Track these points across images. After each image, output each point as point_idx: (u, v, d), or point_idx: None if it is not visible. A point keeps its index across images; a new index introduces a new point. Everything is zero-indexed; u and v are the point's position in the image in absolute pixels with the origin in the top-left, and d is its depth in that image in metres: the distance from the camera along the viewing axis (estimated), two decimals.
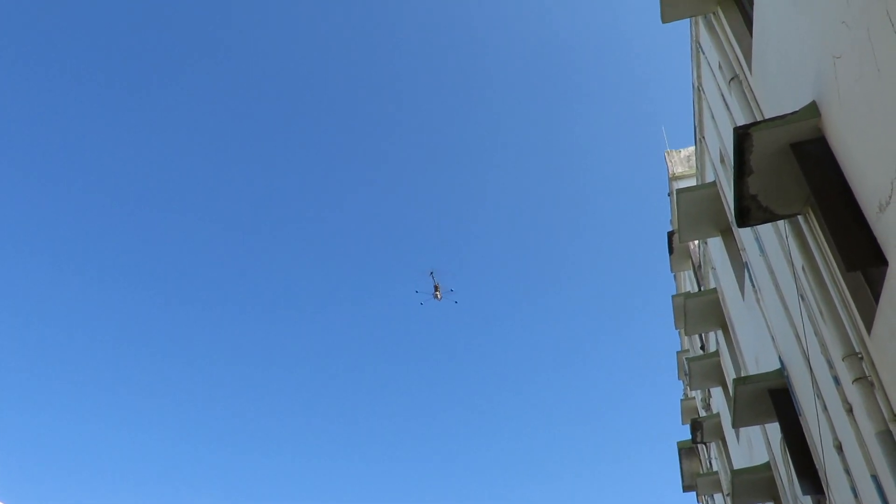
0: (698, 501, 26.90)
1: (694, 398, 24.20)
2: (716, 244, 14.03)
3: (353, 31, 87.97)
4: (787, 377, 9.60)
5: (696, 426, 18.35)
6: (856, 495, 6.98)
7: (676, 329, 22.25)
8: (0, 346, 77.21)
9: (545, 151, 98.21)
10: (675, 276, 23.34)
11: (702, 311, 15.46)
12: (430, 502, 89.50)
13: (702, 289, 17.29)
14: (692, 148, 19.63)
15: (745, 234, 10.76)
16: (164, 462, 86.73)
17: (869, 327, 5.81)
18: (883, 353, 5.60)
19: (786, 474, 10.71)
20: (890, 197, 4.69)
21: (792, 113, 5.98)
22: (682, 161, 20.18)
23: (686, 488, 23.06)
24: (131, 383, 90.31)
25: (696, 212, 12.40)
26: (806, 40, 5.85)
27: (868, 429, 6.00)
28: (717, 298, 14.99)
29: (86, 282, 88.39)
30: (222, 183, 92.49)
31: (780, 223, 7.71)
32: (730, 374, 15.37)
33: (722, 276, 14.16)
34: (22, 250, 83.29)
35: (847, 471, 7.23)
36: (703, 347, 20.13)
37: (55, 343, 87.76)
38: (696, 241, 17.87)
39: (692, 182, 18.45)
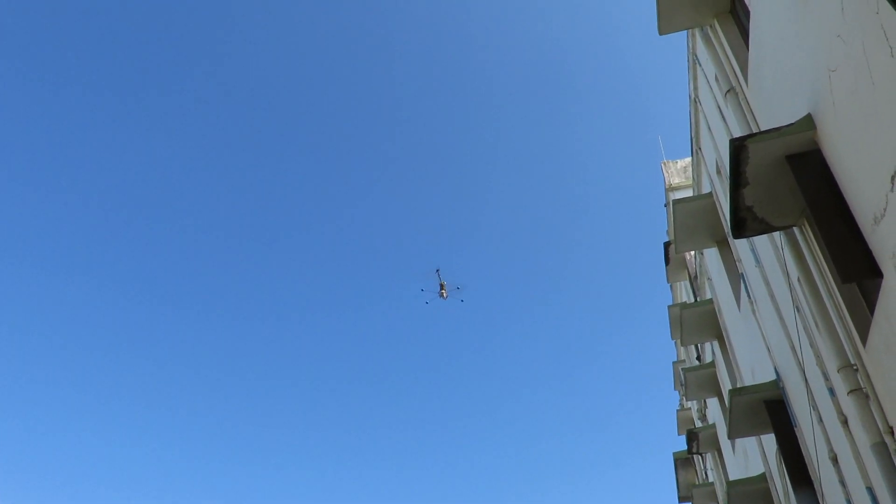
0: None
1: (690, 409, 24.18)
2: (712, 255, 14.07)
3: (357, 38, 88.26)
4: (783, 388, 9.61)
5: (691, 437, 18.32)
6: None
7: (673, 339, 22.25)
8: None
9: (544, 162, 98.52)
10: (671, 286, 23.37)
11: (698, 322, 15.47)
12: None
13: (698, 299, 17.32)
14: (689, 159, 19.71)
15: (741, 245, 10.79)
16: (165, 468, 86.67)
17: (864, 339, 5.83)
18: (878, 365, 5.61)
19: (781, 486, 10.70)
20: (885, 209, 4.72)
21: (787, 125, 6.02)
22: (678, 172, 20.25)
23: (682, 499, 23.02)
24: (134, 388, 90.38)
25: (692, 222, 12.43)
26: (801, 53, 5.89)
27: (863, 440, 6.01)
28: (713, 309, 15.01)
29: (85, 284, 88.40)
30: (220, 184, 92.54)
31: (776, 234, 7.75)
32: (726, 385, 15.36)
33: (718, 286, 14.19)
34: (20, 253, 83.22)
35: (842, 482, 7.23)
36: (699, 358, 20.13)
37: (55, 344, 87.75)
38: (693, 252, 17.91)
39: (689, 193, 18.52)
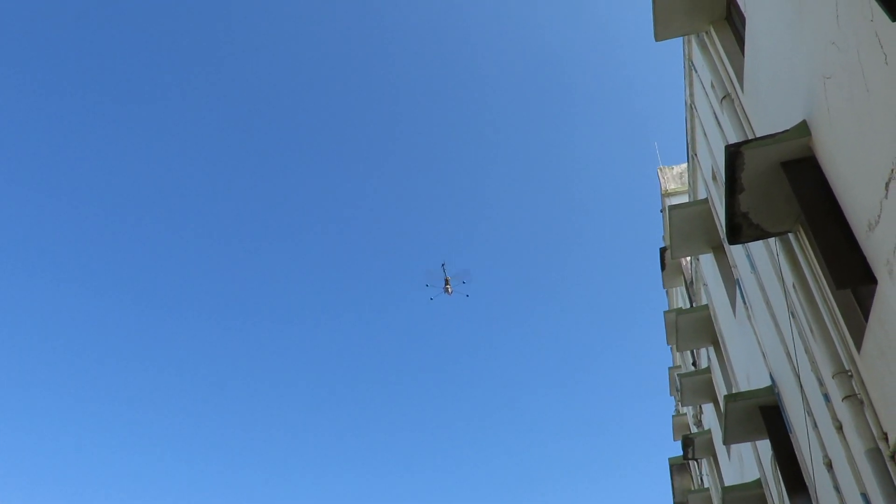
0: None
1: (685, 414, 24.18)
2: (708, 261, 14.09)
3: (369, 38, 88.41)
4: (778, 394, 9.62)
5: (687, 442, 18.33)
6: None
7: (668, 345, 22.27)
8: None
9: (542, 168, 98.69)
10: (667, 291, 23.40)
11: (693, 328, 15.49)
12: None
13: (693, 305, 17.34)
14: (685, 165, 19.75)
15: (736, 251, 10.82)
16: (165, 470, 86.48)
17: (858, 345, 5.84)
18: (872, 371, 5.63)
19: (776, 491, 10.71)
20: (879, 216, 4.74)
21: (783, 132, 6.05)
22: (674, 177, 20.31)
23: None
24: (135, 390, 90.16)
25: (688, 228, 12.46)
26: (797, 60, 5.92)
27: (858, 446, 6.02)
28: (709, 315, 15.03)
29: (85, 286, 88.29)
30: (217, 183, 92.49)
31: (771, 241, 7.77)
32: (721, 391, 15.38)
33: (713, 292, 14.22)
34: (19, 254, 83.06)
35: (837, 488, 7.24)
36: (694, 364, 20.16)
37: (54, 345, 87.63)
38: (689, 258, 17.94)
39: (685, 198, 18.56)
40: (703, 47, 9.47)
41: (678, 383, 17.35)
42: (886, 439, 5.53)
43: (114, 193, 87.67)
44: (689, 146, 13.37)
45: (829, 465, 7.41)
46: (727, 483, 16.53)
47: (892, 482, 5.45)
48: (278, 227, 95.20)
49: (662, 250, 19.46)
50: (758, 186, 6.31)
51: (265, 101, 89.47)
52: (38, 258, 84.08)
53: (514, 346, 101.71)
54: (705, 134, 11.44)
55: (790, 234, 6.98)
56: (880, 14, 4.04)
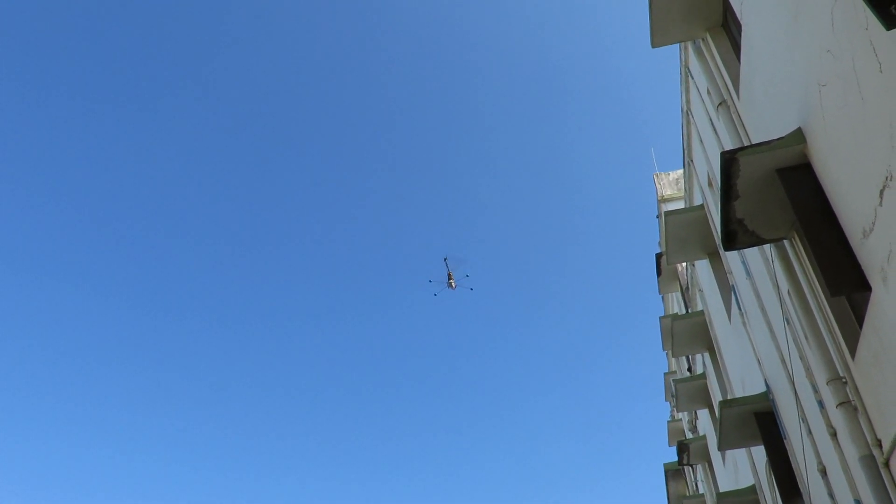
0: None
1: (681, 420, 24.18)
2: (703, 266, 14.11)
3: (367, 43, 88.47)
4: (773, 400, 9.63)
5: (682, 448, 18.32)
6: None
7: (664, 350, 22.28)
8: None
9: (539, 173, 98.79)
10: (662, 297, 23.42)
11: (689, 333, 15.51)
12: None
13: (689, 311, 17.36)
14: (681, 171, 19.79)
15: (731, 258, 10.84)
16: (164, 472, 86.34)
17: (853, 352, 5.86)
18: (866, 378, 5.64)
19: (771, 498, 10.71)
20: (873, 223, 4.76)
21: (778, 139, 6.06)
22: (670, 183, 20.34)
23: None
24: (136, 392, 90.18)
25: (683, 234, 12.48)
26: (792, 68, 5.94)
27: (852, 453, 6.03)
28: (704, 320, 15.05)
29: (85, 288, 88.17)
30: (217, 185, 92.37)
31: (767, 247, 7.79)
32: (716, 397, 15.39)
33: (709, 298, 14.23)
34: (18, 256, 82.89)
35: (831, 495, 7.24)
36: (690, 369, 20.17)
37: (53, 346, 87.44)
38: (684, 264, 17.97)
39: (681, 204, 18.59)
40: (700, 54, 9.50)
41: (673, 389, 17.35)
42: (880, 446, 5.54)
43: (114, 195, 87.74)
44: (686, 152, 13.39)
45: (824, 472, 7.42)
46: (722, 489, 16.53)
47: (886, 489, 5.46)
48: (277, 227, 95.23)
49: (658, 256, 19.49)
50: (753, 193, 6.33)
51: (267, 98, 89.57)
52: (37, 259, 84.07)
53: (511, 351, 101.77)
54: (701, 140, 11.47)
55: (785, 241, 7.00)
56: (875, 23, 4.07)
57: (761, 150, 5.99)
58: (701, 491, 20.76)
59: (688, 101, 12.08)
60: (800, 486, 8.69)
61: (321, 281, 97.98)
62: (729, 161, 6.09)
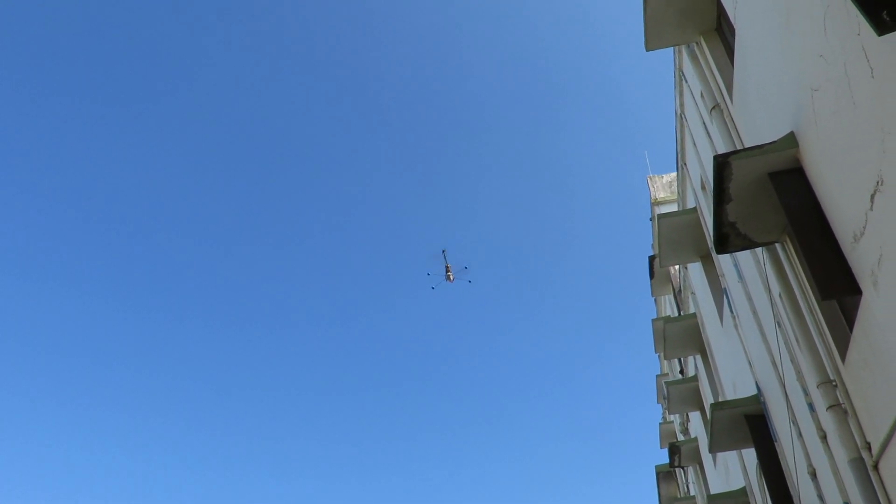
0: None
1: (672, 422, 24.24)
2: (696, 269, 14.16)
3: (362, 42, 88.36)
4: (764, 403, 9.67)
5: (674, 450, 18.36)
6: None
7: (656, 353, 22.35)
8: None
9: (533, 175, 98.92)
10: (655, 300, 23.48)
11: (681, 336, 15.55)
12: None
13: (681, 313, 17.41)
14: (675, 174, 19.85)
15: (724, 261, 10.88)
16: (165, 473, 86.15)
17: (843, 355, 5.89)
18: (856, 381, 5.67)
19: (761, 500, 10.75)
20: (864, 228, 4.79)
21: (770, 143, 6.09)
22: (664, 186, 20.39)
23: None
24: (135, 394, 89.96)
25: (676, 237, 12.52)
26: (785, 72, 5.97)
27: (841, 456, 6.06)
28: (697, 323, 15.09)
29: (84, 289, 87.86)
30: (212, 185, 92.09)
31: (759, 250, 7.82)
32: (708, 399, 15.44)
33: (701, 301, 14.28)
34: (17, 257, 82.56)
35: (821, 497, 7.28)
36: (682, 372, 20.22)
37: (52, 348, 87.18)
38: (677, 266, 18.02)
39: (674, 207, 18.63)
40: (694, 58, 9.54)
41: (665, 391, 17.40)
42: (870, 449, 5.57)
43: (114, 195, 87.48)
44: (679, 155, 13.44)
45: (814, 475, 7.46)
46: (713, 491, 16.58)
47: (875, 492, 5.49)
48: (273, 226, 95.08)
49: (651, 258, 19.54)
50: (746, 196, 6.36)
51: (262, 96, 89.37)
52: (37, 259, 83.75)
53: (504, 352, 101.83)
54: (694, 143, 11.51)
55: (777, 245, 7.03)
56: (867, 28, 4.09)
57: (754, 154, 6.02)
58: (692, 493, 20.81)
59: (681, 105, 12.12)
60: (790, 488, 8.73)
61: (318, 280, 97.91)
62: (722, 164, 6.11)
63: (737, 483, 12.80)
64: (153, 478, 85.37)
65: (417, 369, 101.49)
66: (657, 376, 25.07)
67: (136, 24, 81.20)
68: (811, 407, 6.95)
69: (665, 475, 23.45)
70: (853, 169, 4.82)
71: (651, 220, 20.67)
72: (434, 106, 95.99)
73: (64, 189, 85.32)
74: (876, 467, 5.51)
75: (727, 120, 8.55)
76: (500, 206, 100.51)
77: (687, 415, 20.50)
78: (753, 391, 10.14)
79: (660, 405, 26.25)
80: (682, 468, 20.85)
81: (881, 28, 3.53)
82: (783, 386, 8.00)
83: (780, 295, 7.15)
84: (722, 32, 8.89)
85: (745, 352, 10.34)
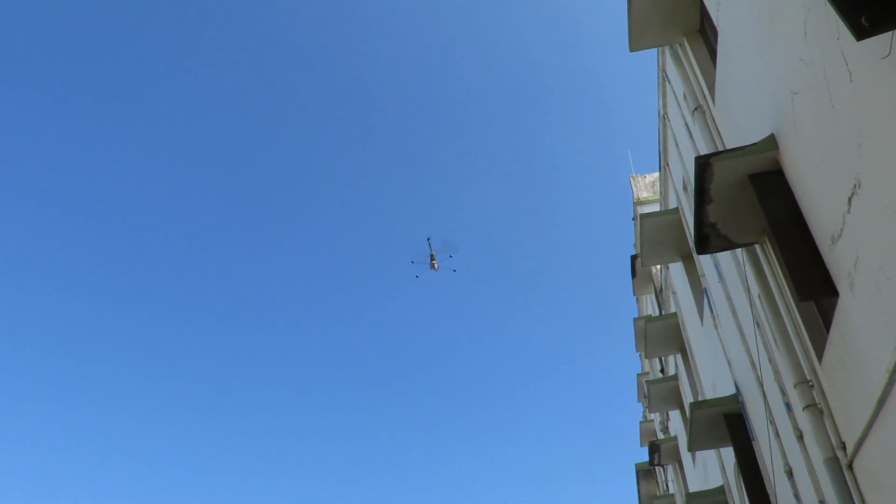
0: None
1: (653, 421, 24.41)
2: (677, 269, 14.25)
3: (353, 42, 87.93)
4: (742, 402, 9.75)
5: (654, 448, 18.50)
6: None
7: (637, 352, 22.48)
8: None
9: (517, 174, 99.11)
10: (637, 299, 23.62)
11: (662, 335, 15.65)
12: None
13: (663, 312, 17.52)
14: (657, 174, 19.96)
15: (704, 261, 10.95)
16: (163, 472, 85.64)
17: (820, 356, 5.95)
18: (832, 382, 5.74)
19: (739, 498, 10.85)
20: (842, 230, 4.84)
21: (751, 145, 6.14)
22: (647, 186, 20.50)
23: None
24: (132, 394, 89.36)
25: (658, 237, 12.59)
26: (766, 75, 6.02)
27: (817, 455, 6.13)
28: (677, 323, 15.20)
29: (83, 289, 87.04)
30: (194, 185, 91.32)
31: (738, 251, 7.88)
32: (687, 398, 15.55)
33: (682, 300, 14.37)
34: (15, 258, 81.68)
35: (797, 496, 7.36)
36: (662, 371, 20.36)
37: (51, 348, 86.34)
38: (659, 266, 18.13)
39: (656, 207, 18.74)
40: (677, 59, 9.59)
41: (646, 390, 17.51)
42: (844, 448, 5.63)
43: (114, 195, 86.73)
44: (662, 156, 13.51)
45: (790, 473, 7.53)
46: (692, 489, 16.72)
47: (849, 491, 5.56)
48: (263, 226, 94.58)
49: (633, 258, 19.64)
50: (726, 198, 6.40)
51: (251, 95, 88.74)
52: (37, 259, 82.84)
53: (484, 349, 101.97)
54: (677, 144, 11.58)
55: (757, 246, 7.09)
56: (846, 33, 4.13)
57: (735, 156, 6.06)
58: (671, 491, 20.98)
59: (664, 105, 12.19)
60: (767, 487, 8.81)
61: (315, 279, 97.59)
62: (703, 165, 6.15)
63: (715, 481, 12.92)
64: (153, 477, 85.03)
65: (396, 368, 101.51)
66: (638, 375, 25.24)
67: (124, 23, 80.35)
68: (788, 407, 7.02)
69: (645, 473, 23.63)
70: (831, 172, 4.87)
71: (634, 219, 20.78)
72: (422, 104, 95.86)
73: (64, 189, 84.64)
74: (850, 467, 5.57)
75: (709, 121, 8.60)
76: (486, 204, 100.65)
77: (667, 413, 20.65)
78: (732, 391, 10.22)
79: (640, 404, 26.42)
80: (662, 466, 21.01)
81: (860, 33, 3.57)
82: (761, 386, 8.08)
83: (759, 296, 7.21)
84: (705, 34, 8.95)
85: (725, 351, 10.43)
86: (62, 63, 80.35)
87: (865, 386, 4.92)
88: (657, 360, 21.26)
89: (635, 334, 19.75)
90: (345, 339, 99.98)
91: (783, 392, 7.13)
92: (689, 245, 12.36)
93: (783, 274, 6.60)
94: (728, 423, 10.08)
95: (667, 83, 11.47)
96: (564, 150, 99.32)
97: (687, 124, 10.05)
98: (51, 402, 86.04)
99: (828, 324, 5.64)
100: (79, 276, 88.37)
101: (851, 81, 4.28)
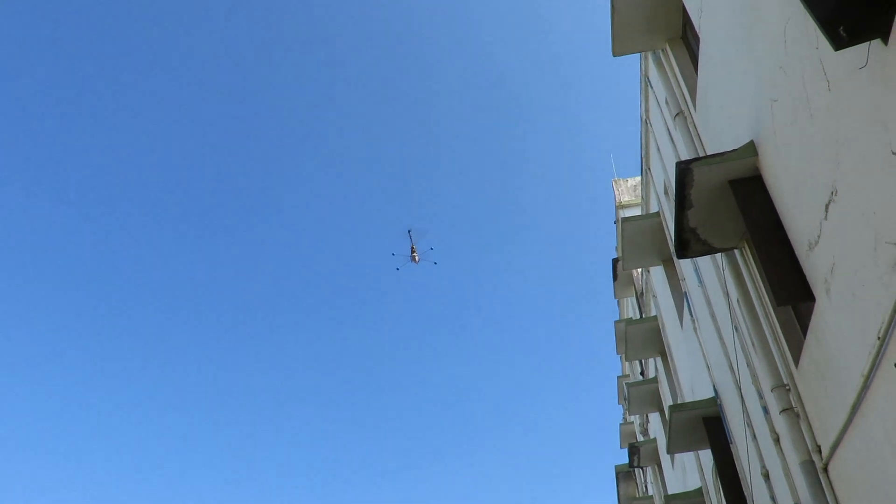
0: None
1: (633, 423, 24.55)
2: (658, 273, 14.35)
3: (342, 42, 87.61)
4: (721, 405, 9.85)
5: (633, 450, 18.61)
6: None
7: (618, 354, 22.61)
8: None
9: (500, 177, 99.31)
10: (618, 302, 23.75)
11: (642, 338, 15.76)
12: None
13: (643, 316, 17.64)
14: (639, 178, 20.08)
15: (685, 265, 11.05)
16: (162, 471, 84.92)
17: (797, 360, 6.03)
18: (808, 386, 5.81)
19: (717, 500, 10.95)
20: (818, 237, 4.91)
21: (731, 151, 6.20)
22: (628, 190, 20.64)
23: None
24: (130, 392, 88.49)
25: (639, 241, 12.67)
26: (746, 82, 6.09)
27: (793, 458, 6.20)
28: (658, 326, 15.30)
29: (81, 287, 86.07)
30: (179, 181, 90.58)
31: (718, 256, 7.96)
32: (667, 401, 15.66)
33: (662, 304, 14.48)
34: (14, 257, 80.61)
35: (773, 498, 7.44)
36: (643, 373, 20.49)
37: (51, 347, 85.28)
38: (640, 269, 18.25)
39: (638, 211, 18.88)
40: (659, 64, 9.66)
41: (626, 392, 17.61)
42: (820, 452, 5.71)
43: (113, 195, 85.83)
44: (644, 160, 13.61)
45: (767, 476, 7.62)
46: (670, 491, 16.84)
47: (824, 494, 5.63)
48: (253, 223, 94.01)
49: (615, 261, 19.76)
50: (706, 203, 6.47)
51: (241, 93, 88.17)
52: (36, 259, 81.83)
53: (462, 349, 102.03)
54: (659, 149, 11.66)
55: (736, 251, 7.17)
56: (825, 43, 4.19)
57: (715, 162, 6.12)
58: (650, 493, 21.12)
59: (647, 110, 12.27)
60: (744, 489, 8.90)
61: (309, 278, 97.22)
62: (684, 171, 6.21)
63: (693, 483, 13.03)
64: (153, 477, 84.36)
65: (383, 368, 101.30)
66: (618, 377, 25.38)
67: (118, 19, 79.60)
68: (765, 410, 7.10)
69: (624, 475, 23.78)
70: (809, 179, 4.93)
71: (615, 223, 20.90)
72: (406, 106, 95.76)
73: (64, 189, 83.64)
74: (826, 470, 5.65)
75: (690, 127, 8.67)
76: (469, 205, 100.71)
77: (647, 416, 20.78)
78: (711, 394, 10.32)
79: (621, 406, 26.57)
80: (641, 468, 21.15)
81: (838, 43, 3.62)
82: (739, 389, 8.16)
83: (737, 300, 7.28)
84: (687, 40, 9.03)
85: (704, 355, 10.52)
86: (62, 63, 79.51)
87: (840, 390, 4.99)
88: (637, 362, 21.40)
89: (616, 337, 19.87)
90: (343, 338, 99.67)
91: (760, 395, 7.21)
92: (669, 249, 12.46)
93: (761, 279, 6.67)
94: (707, 426, 10.17)
95: (649, 88, 11.55)
96: (547, 154, 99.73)
97: (668, 129, 10.13)
98: (51, 402, 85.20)
99: (805, 328, 5.72)
100: (79, 276, 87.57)
101: (829, 90, 4.35)
